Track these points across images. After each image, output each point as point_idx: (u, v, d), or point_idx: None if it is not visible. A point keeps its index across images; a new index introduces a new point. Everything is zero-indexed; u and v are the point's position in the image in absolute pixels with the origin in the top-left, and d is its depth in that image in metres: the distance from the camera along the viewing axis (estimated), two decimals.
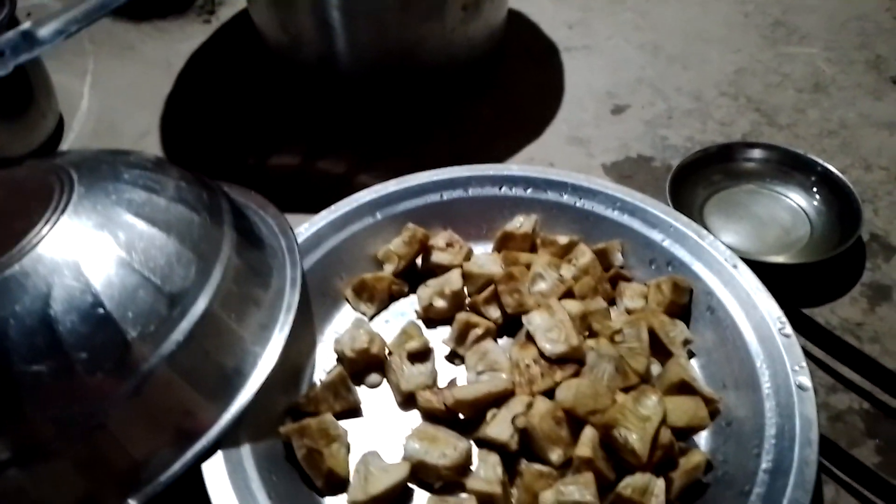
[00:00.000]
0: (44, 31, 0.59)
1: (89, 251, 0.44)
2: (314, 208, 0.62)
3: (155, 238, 0.47)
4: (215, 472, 0.45)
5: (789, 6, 0.94)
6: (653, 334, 0.53)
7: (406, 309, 0.60)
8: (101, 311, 0.43)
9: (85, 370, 0.42)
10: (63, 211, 0.46)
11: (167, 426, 0.45)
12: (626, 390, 0.50)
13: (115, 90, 0.88)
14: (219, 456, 0.46)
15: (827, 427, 0.53)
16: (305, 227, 0.60)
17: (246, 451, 0.47)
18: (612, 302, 0.59)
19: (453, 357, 0.56)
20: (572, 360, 0.52)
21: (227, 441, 0.46)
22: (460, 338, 0.55)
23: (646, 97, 0.82)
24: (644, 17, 0.95)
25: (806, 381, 0.48)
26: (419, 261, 0.62)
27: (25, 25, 0.59)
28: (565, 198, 0.62)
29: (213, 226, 0.50)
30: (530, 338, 0.53)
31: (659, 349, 0.53)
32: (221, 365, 0.48)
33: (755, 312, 0.52)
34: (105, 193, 0.48)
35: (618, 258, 0.60)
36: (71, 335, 0.42)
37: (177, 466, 0.44)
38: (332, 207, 0.62)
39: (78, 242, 0.45)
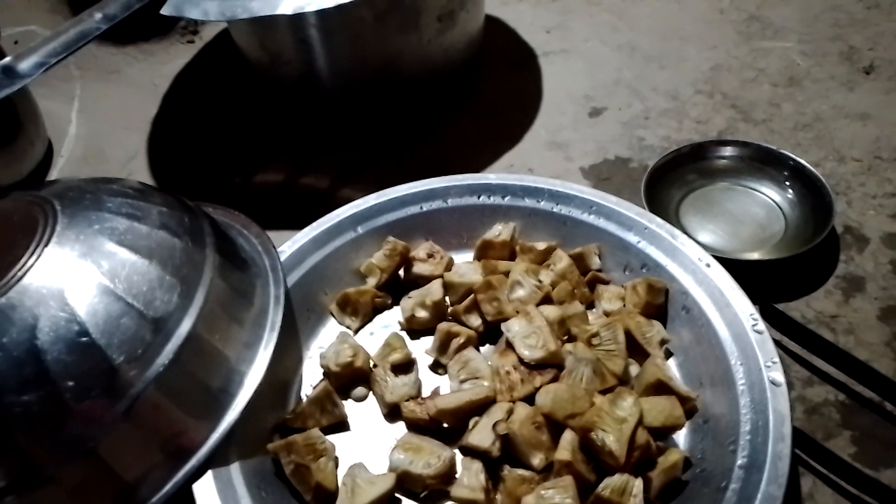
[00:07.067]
0: (24, 65, 0.61)
1: (74, 281, 0.46)
2: (299, 224, 0.63)
3: (137, 265, 0.48)
4: (205, 491, 0.46)
5: (764, 0, 0.95)
6: (629, 336, 0.54)
7: (390, 321, 0.61)
8: (86, 339, 0.44)
9: (73, 397, 0.44)
10: (47, 242, 0.47)
11: (157, 448, 0.47)
12: (604, 392, 0.51)
13: (102, 114, 0.90)
14: (209, 475, 0.47)
15: (803, 419, 0.54)
16: (288, 244, 0.61)
17: (235, 468, 0.48)
18: (590, 305, 0.60)
19: (436, 366, 0.57)
20: (551, 365, 0.53)
21: (216, 460, 0.48)
22: (442, 347, 0.56)
23: (623, 98, 0.83)
24: (621, 18, 0.96)
25: (778, 376, 0.49)
26: (401, 273, 0.63)
27: (6, 60, 0.61)
28: (542, 204, 0.63)
29: (194, 249, 0.52)
30: (510, 345, 0.54)
31: (636, 350, 0.55)
32: (208, 385, 0.49)
33: (728, 310, 0.53)
34: (88, 223, 0.49)
35: (595, 261, 0.61)
36: (58, 364, 0.43)
37: (168, 487, 0.46)
38: (314, 224, 0.63)
39: (62, 272, 0.46)
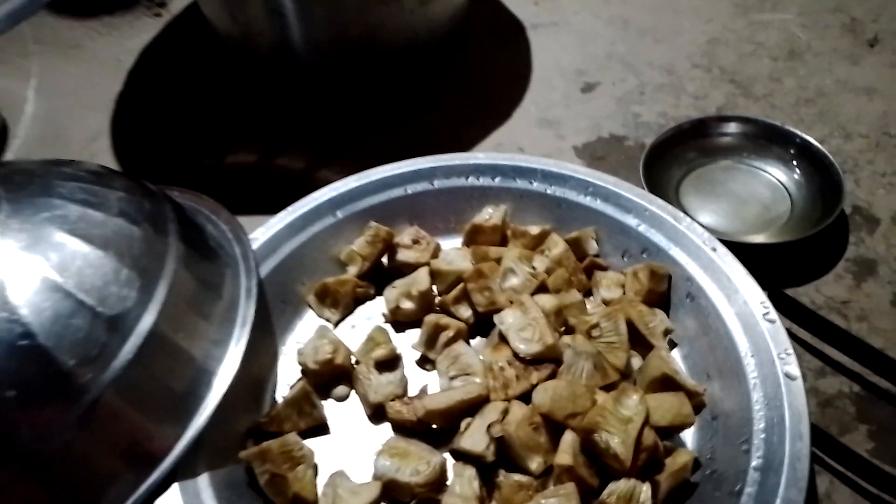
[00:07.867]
0: None
1: (16, 275, 0.41)
2: (273, 208, 0.59)
3: (90, 257, 0.43)
4: None
5: None
6: (631, 326, 0.51)
7: (373, 312, 0.57)
8: (30, 341, 0.40)
9: (17, 407, 0.39)
10: None
11: (117, 459, 0.43)
12: (606, 388, 0.48)
13: (62, 92, 0.85)
14: (174, 488, 0.43)
15: (817, 413, 0.51)
16: (261, 231, 0.57)
17: (204, 480, 0.44)
18: (588, 293, 0.56)
19: (424, 362, 0.54)
20: (548, 359, 0.49)
21: (183, 470, 0.44)
22: (430, 341, 0.53)
23: (617, 73, 0.80)
24: None
25: (794, 370, 0.46)
26: (385, 260, 0.59)
27: None
28: (535, 185, 0.60)
29: (156, 238, 0.47)
30: (503, 338, 0.50)
31: (639, 341, 0.51)
32: (172, 387, 0.45)
33: (737, 297, 0.50)
34: (35, 210, 0.45)
35: (592, 246, 0.57)
36: None
37: (129, 502, 0.42)
38: (290, 208, 0.59)
39: (3, 267, 0.41)
